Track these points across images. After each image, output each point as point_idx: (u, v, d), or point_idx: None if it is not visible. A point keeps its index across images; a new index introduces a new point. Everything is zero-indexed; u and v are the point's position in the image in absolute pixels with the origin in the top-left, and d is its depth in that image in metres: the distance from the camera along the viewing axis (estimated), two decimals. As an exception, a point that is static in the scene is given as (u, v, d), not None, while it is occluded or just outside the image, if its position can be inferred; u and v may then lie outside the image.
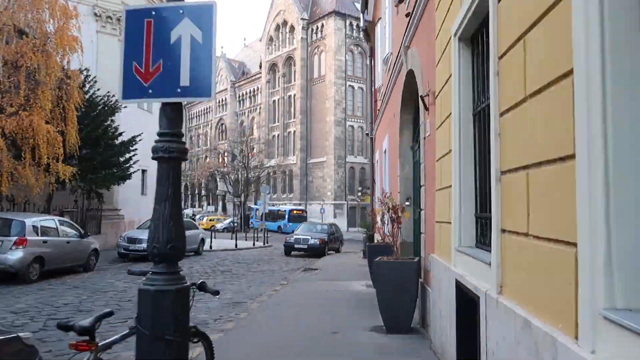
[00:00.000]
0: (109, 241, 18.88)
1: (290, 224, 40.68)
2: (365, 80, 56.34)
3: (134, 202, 21.86)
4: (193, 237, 18.21)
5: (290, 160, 57.64)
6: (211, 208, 77.85)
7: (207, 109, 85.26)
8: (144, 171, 22.81)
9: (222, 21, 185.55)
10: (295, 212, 47.78)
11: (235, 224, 43.35)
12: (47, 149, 12.30)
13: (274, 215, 46.82)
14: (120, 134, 18.38)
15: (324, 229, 20.26)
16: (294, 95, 59.47)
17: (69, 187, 17.18)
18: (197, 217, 49.91)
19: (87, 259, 12.40)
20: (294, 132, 59.19)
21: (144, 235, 16.13)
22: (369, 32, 15.79)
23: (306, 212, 46.87)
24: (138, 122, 21.51)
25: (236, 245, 22.38)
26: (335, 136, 53.49)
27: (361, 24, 17.17)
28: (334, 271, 11.95)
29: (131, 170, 18.60)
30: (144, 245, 16.23)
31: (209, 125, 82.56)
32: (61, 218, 11.76)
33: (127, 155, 18.62)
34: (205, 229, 45.69)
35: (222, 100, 79.15)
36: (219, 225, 45.22)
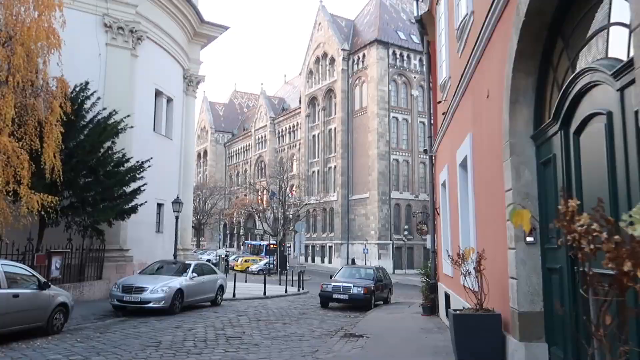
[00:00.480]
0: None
1: None
2: (409, 111, 52.96)
3: (148, 242, 18.80)
4: (209, 284, 14.85)
5: (330, 197, 54.22)
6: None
7: (247, 146, 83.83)
8: (159, 205, 19.85)
9: (262, 58, 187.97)
10: (271, 246, 46.59)
11: (271, 265, 39.93)
12: (2, 170, 9.35)
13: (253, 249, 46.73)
14: (128, 160, 15.48)
15: (370, 275, 16.41)
16: (334, 128, 56.60)
17: (64, 222, 14.28)
18: (232, 257, 46.80)
19: (49, 317, 9.13)
20: (335, 167, 55.97)
21: (146, 282, 12.91)
22: (424, 23, 12.48)
23: (282, 246, 44.39)
24: (153, 148, 18.73)
25: (264, 293, 18.83)
26: (379, 171, 49.84)
27: (415, 13, 13.86)
28: (388, 341, 8.17)
29: (137, 202, 15.55)
30: (145, 295, 12.96)
31: (249, 163, 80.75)
32: (6, 262, 8.61)
33: (135, 185, 15.64)
34: (238, 271, 42.88)
35: (262, 137, 77.44)
36: (253, 267, 41.90)
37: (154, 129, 19.62)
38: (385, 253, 49.30)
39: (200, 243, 68.82)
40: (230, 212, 53.14)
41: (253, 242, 51.16)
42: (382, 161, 50.21)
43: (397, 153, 51.86)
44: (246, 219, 73.58)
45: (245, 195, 66.86)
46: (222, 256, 39.18)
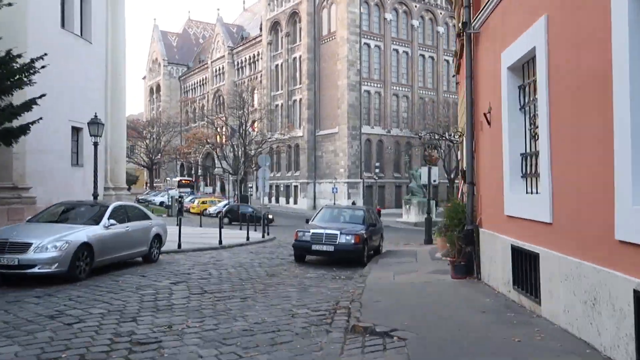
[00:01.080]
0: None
1: None
2: (382, 38, 47.98)
3: (60, 178, 14.13)
4: (137, 234, 10.46)
5: (296, 132, 49.62)
6: (209, 189, 70.31)
7: (203, 79, 77.15)
8: (76, 130, 15.00)
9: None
10: (184, 181, 42.70)
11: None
12: None
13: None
14: (14, 58, 10.51)
15: (359, 217, 12.31)
16: (299, 57, 51.21)
17: None
18: (188, 199, 42.27)
19: None
20: (300, 100, 51.09)
21: (31, 234, 8.51)
22: None
23: (194, 182, 40.63)
24: (63, 53, 13.67)
25: (220, 242, 14.71)
26: (349, 103, 45.37)
27: None
28: (451, 349, 4.21)
29: (31, 120, 10.77)
30: (28, 254, 8.11)
31: (206, 98, 74.37)
32: None
33: (24, 97, 10.78)
34: (194, 214, 38.61)
35: (220, 69, 70.93)
36: (212, 209, 37.65)
37: (62, 25, 14.39)
38: (355, 192, 45.82)
39: (155, 185, 63.54)
40: (185, 147, 47.75)
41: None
42: (353, 92, 45.67)
43: (369, 84, 47.33)
44: (204, 158, 68.47)
45: (201, 128, 61.33)
46: (175, 197, 34.58)
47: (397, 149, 48.86)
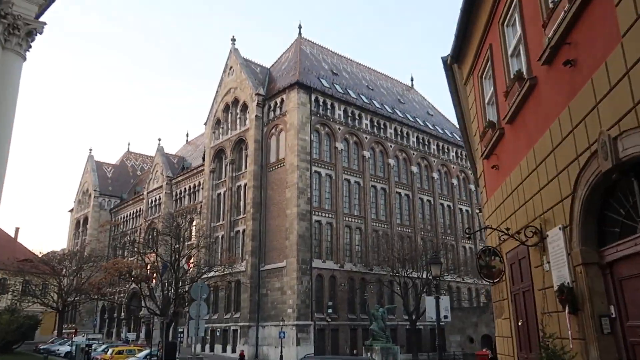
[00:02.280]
0: None
1: None
2: (334, 167, 45.64)
3: None
4: None
5: (237, 267, 43.74)
6: (132, 335, 60.48)
7: (137, 212, 71.28)
8: None
9: (163, 117, 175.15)
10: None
11: (154, 359, 28.41)
12: None
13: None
14: None
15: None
16: (244, 185, 47.53)
17: None
18: (101, 348, 34.12)
19: None
20: (244, 230, 46.21)
21: None
22: None
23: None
24: None
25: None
26: (299, 233, 40.94)
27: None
28: None
29: None
30: None
31: (138, 231, 67.75)
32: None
33: None
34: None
35: (156, 200, 65.86)
36: (129, 361, 29.90)
37: None
38: (305, 337, 39.26)
39: (63, 331, 53.38)
40: (102, 278, 39.95)
41: None
42: (303, 222, 41.54)
43: (320, 213, 43.62)
44: (129, 298, 59.81)
45: (124, 258, 53.74)
46: (82, 346, 27.00)
47: (352, 286, 43.77)
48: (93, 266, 49.12)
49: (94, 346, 33.75)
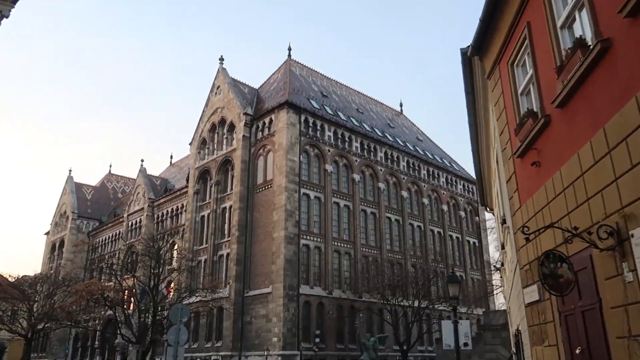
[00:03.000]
0: None
1: None
2: (323, 189, 44.24)
3: None
4: None
5: (220, 293, 41.56)
6: (105, 366, 57.31)
7: (116, 235, 68.66)
8: None
9: (146, 137, 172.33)
10: None
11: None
12: None
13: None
14: None
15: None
16: (230, 207, 45.75)
17: None
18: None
19: None
20: (228, 254, 44.24)
21: None
22: None
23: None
24: None
25: None
26: (286, 258, 39.14)
27: None
28: None
29: None
30: None
31: (117, 255, 65.00)
32: None
33: None
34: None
35: (136, 223, 63.52)
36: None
37: None
38: (291, 368, 37.03)
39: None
40: (73, 303, 37.18)
41: None
42: (291, 246, 39.79)
43: (308, 237, 41.94)
44: (104, 326, 56.74)
45: (91, 271, 50.89)
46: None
47: (340, 314, 41.81)
48: (66, 291, 46.34)
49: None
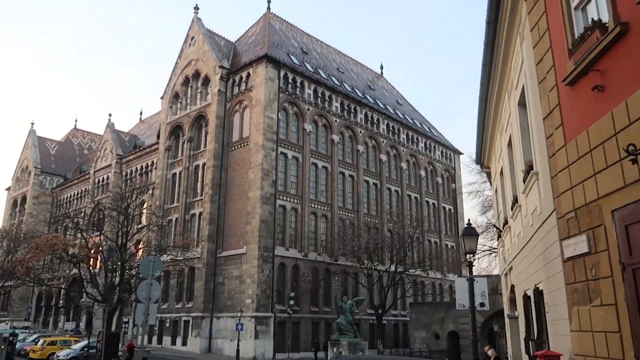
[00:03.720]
0: None
1: None
2: (301, 149, 42.67)
3: None
4: None
5: (192, 252, 40.07)
6: (70, 325, 55.65)
7: (82, 192, 65.86)
8: None
9: (115, 93, 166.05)
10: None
11: (92, 351, 24.68)
12: None
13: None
14: None
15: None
16: (203, 164, 43.81)
17: None
18: (31, 338, 29.86)
19: None
20: (200, 213, 42.56)
21: None
22: None
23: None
24: None
25: None
26: (262, 218, 37.76)
27: None
28: None
29: None
30: None
31: (83, 212, 62.36)
32: None
33: None
34: (34, 360, 26.49)
35: (103, 180, 60.93)
36: (61, 354, 25.93)
37: None
38: (264, 330, 36.21)
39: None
40: (32, 258, 34.98)
41: None
42: (267, 206, 38.37)
43: (285, 198, 40.55)
44: (69, 284, 54.82)
45: (56, 230, 48.67)
46: (4, 336, 22.93)
47: (316, 277, 40.99)
48: (28, 247, 44.01)
49: (21, 336, 29.41)
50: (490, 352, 13.01)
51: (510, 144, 11.89)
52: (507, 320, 15.24)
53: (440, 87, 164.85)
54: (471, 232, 10.30)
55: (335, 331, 35.26)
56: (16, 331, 28.53)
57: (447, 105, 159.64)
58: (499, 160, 14.91)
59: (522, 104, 10.11)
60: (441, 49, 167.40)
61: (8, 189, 78.24)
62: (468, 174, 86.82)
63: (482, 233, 33.06)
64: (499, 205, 15.44)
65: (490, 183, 20.80)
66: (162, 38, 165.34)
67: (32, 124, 75.54)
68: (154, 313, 11.19)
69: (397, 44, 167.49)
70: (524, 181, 9.66)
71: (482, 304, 10.04)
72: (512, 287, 13.64)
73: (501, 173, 14.65)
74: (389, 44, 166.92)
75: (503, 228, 13.97)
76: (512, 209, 11.73)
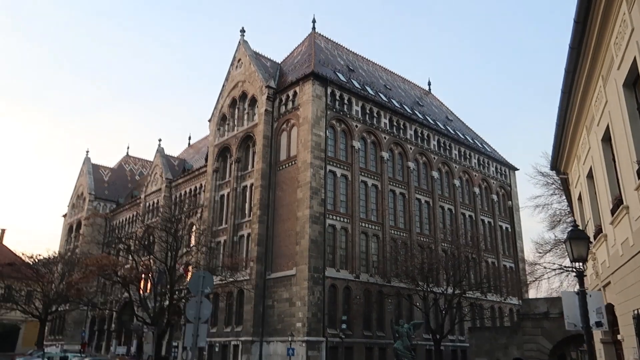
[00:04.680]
0: None
1: None
2: (350, 167, 41.44)
3: None
4: None
5: (240, 275, 39.23)
6: (122, 349, 55.71)
7: (133, 216, 66.82)
8: None
9: (165, 119, 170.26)
10: None
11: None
12: None
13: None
14: None
15: None
16: (251, 185, 43.26)
17: None
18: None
19: None
20: (249, 235, 41.80)
21: None
22: None
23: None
24: None
25: None
26: (311, 238, 36.52)
27: None
28: None
29: None
30: None
31: (134, 236, 63.11)
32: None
33: None
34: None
35: (154, 204, 61.45)
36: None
37: None
38: (316, 355, 34.57)
39: (45, 342, 48.42)
40: (80, 279, 34.96)
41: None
42: (316, 225, 37.15)
43: (334, 217, 39.25)
44: (122, 308, 55.06)
45: (109, 253, 48.91)
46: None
47: (368, 299, 39.16)
48: (79, 270, 44.56)
49: (72, 359, 29.08)
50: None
51: (608, 138, 10.20)
52: (600, 347, 13.19)
53: (490, 105, 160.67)
54: (579, 235, 8.59)
55: (391, 357, 33.20)
56: (67, 354, 28.23)
57: (505, 122, 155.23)
58: (584, 161, 13.13)
59: (627, 85, 8.49)
60: (488, 66, 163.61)
61: (65, 215, 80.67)
62: (533, 186, 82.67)
63: (550, 250, 30.63)
64: (586, 213, 13.58)
65: (566, 191, 18.80)
66: (209, 62, 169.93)
67: (87, 151, 78.21)
68: (204, 334, 10.09)
69: (444, 60, 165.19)
70: (639, 175, 7.99)
71: (599, 323, 8.30)
72: (611, 306, 11.71)
73: (588, 175, 12.87)
74: (435, 60, 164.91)
75: (595, 239, 12.10)
76: (612, 214, 9.97)
